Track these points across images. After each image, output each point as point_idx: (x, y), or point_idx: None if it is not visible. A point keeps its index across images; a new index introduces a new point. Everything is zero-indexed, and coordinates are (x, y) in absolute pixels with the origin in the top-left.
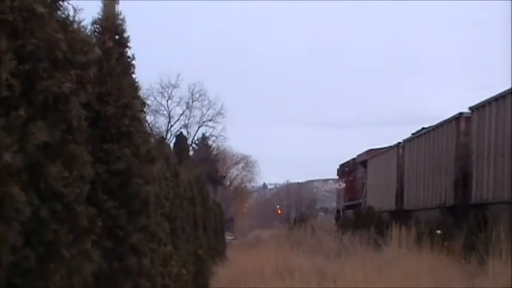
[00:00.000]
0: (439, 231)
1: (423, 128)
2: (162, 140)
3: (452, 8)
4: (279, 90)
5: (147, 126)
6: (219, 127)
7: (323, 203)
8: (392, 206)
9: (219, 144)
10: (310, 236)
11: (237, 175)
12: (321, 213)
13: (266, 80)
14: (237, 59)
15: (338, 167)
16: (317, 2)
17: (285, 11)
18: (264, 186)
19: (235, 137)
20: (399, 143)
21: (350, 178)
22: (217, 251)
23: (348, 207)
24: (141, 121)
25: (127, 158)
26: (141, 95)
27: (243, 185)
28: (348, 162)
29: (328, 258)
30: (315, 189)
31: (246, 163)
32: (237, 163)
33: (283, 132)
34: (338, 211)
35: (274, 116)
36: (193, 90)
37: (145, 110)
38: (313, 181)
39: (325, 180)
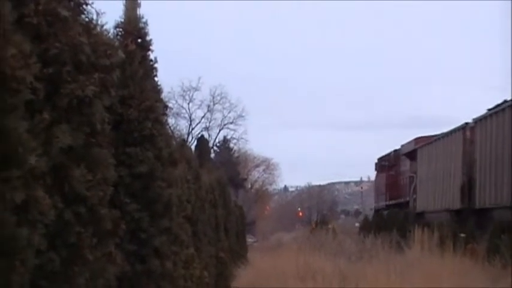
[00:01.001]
0: (462, 235)
1: (505, 101)
2: (183, 142)
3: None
4: (302, 92)
5: (169, 129)
6: (240, 130)
7: (344, 206)
8: (455, 203)
9: (240, 146)
10: (332, 239)
11: (258, 178)
12: (342, 216)
13: (288, 82)
14: (260, 62)
15: (376, 161)
16: (337, 2)
17: (306, 13)
18: (285, 188)
19: (256, 140)
20: (466, 123)
21: (391, 173)
22: (239, 253)
23: (389, 206)
24: (163, 124)
25: (149, 161)
26: (163, 98)
27: (264, 188)
28: (388, 155)
29: (350, 261)
30: (336, 192)
31: (267, 166)
32: (258, 166)
33: (305, 134)
34: (377, 211)
35: (296, 118)
36: (214, 93)
37: (167, 113)
38: (334, 183)
39: (347, 183)
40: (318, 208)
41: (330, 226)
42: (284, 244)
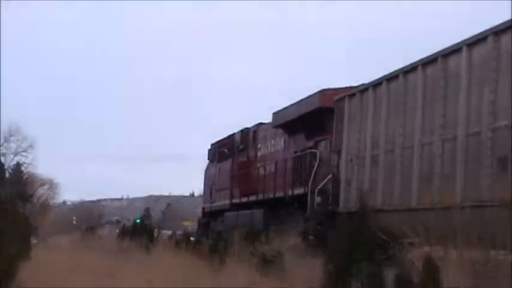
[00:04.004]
0: (192, 238)
1: None
2: None
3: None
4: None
5: None
6: (31, 156)
7: (109, 217)
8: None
9: (30, 170)
10: (98, 241)
11: (43, 194)
12: (107, 225)
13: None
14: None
15: (209, 147)
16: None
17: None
18: (64, 202)
19: (45, 163)
20: None
21: (241, 159)
22: (24, 251)
23: (238, 206)
24: None
25: None
26: None
27: (47, 202)
28: (231, 136)
29: (111, 257)
30: (102, 207)
31: (51, 185)
32: (43, 184)
33: (83, 159)
34: (205, 214)
35: (79, 148)
36: (10, 127)
37: None
38: (101, 200)
39: (113, 199)
40: (88, 218)
41: (98, 232)
42: (61, 245)
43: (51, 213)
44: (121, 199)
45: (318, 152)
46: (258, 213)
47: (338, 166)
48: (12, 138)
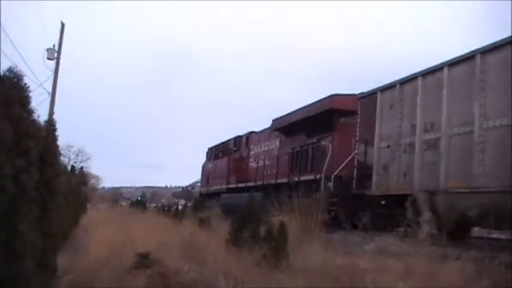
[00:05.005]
0: (166, 208)
1: None
2: (65, 167)
3: None
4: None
5: (63, 163)
6: (88, 163)
7: (125, 196)
8: None
9: (87, 169)
10: (118, 207)
11: (93, 182)
12: (124, 199)
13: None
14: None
15: (207, 150)
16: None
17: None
18: (103, 187)
19: (97, 166)
20: None
21: (236, 157)
22: (83, 210)
23: (232, 190)
24: (57, 159)
25: (50, 174)
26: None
27: (95, 186)
28: (225, 142)
29: (126, 215)
30: (121, 190)
31: (97, 178)
32: (93, 177)
33: (112, 162)
34: (202, 195)
35: (112, 156)
36: (79, 148)
37: (60, 156)
38: (121, 187)
39: (127, 187)
40: (115, 196)
41: (119, 204)
42: (100, 208)
43: (96, 193)
44: (131, 187)
45: (330, 145)
46: (256, 196)
47: (366, 153)
48: (80, 154)
